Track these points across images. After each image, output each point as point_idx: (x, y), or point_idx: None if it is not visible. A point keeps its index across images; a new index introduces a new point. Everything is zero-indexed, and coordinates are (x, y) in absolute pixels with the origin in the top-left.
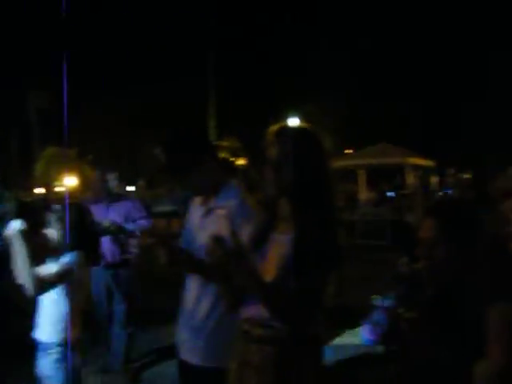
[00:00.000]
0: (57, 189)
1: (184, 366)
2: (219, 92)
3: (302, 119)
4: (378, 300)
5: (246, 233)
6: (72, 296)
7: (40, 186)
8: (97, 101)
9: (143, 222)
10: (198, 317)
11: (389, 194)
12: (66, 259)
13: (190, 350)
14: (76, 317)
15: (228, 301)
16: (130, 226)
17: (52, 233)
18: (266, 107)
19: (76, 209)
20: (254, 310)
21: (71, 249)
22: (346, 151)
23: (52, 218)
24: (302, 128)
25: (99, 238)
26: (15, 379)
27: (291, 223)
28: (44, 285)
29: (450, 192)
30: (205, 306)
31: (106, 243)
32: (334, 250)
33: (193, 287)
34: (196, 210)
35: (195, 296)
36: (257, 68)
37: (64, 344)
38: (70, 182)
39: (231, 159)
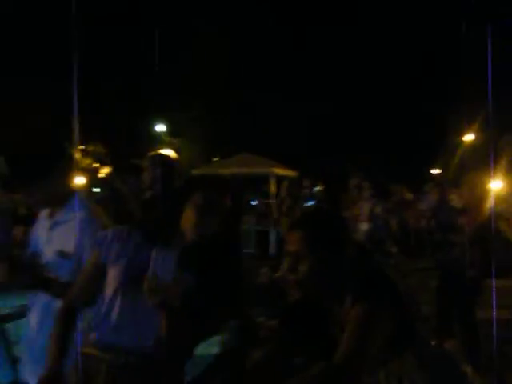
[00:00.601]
0: None
1: None
2: (85, 96)
3: (169, 127)
4: None
5: (89, 247)
6: None
7: None
8: None
9: None
10: (41, 343)
11: (252, 202)
12: None
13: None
14: None
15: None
16: None
17: None
18: (133, 114)
19: None
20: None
21: None
22: (214, 159)
23: None
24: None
25: None
26: None
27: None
28: None
29: (313, 203)
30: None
31: None
32: None
33: (36, 308)
34: (42, 223)
35: (38, 319)
36: (123, 74)
37: None
38: None
39: (95, 165)
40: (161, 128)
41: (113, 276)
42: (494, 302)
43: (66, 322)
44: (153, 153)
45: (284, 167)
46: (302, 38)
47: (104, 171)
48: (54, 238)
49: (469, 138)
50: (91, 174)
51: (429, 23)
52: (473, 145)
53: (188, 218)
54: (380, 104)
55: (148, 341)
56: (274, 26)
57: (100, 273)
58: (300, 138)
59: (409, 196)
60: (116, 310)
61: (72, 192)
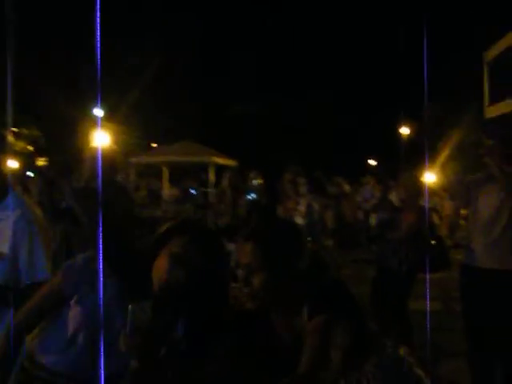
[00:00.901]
0: None
1: None
2: (18, 75)
3: (106, 111)
4: None
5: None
6: None
7: None
8: None
9: None
10: None
11: (191, 191)
12: None
13: None
14: None
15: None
16: None
17: None
18: (70, 97)
19: None
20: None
21: None
22: (153, 144)
23: None
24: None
25: None
26: None
27: None
28: None
29: (253, 196)
30: None
31: None
32: None
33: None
34: None
35: None
36: (60, 55)
37: None
38: None
39: (30, 148)
40: (98, 112)
41: (74, 315)
42: (428, 295)
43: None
44: (92, 145)
45: (224, 156)
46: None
47: (41, 160)
48: None
49: (405, 131)
50: (25, 157)
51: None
52: (409, 138)
53: (160, 267)
54: (321, 90)
55: (91, 369)
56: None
57: (57, 303)
58: (241, 128)
59: (347, 188)
60: (74, 348)
61: (6, 188)
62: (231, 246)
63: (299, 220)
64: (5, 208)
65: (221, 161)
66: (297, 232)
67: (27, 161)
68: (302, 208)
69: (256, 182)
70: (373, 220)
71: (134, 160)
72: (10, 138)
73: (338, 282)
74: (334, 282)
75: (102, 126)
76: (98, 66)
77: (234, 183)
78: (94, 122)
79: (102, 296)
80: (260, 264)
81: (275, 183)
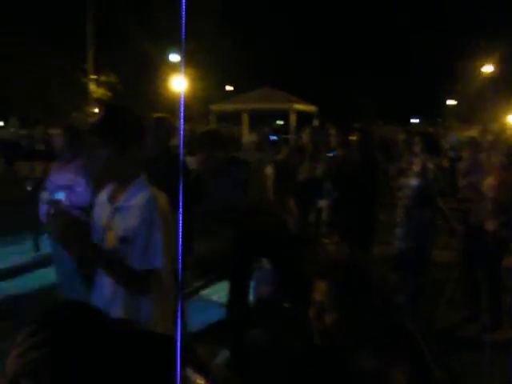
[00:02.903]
0: None
1: None
2: (97, 23)
3: (183, 56)
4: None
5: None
6: None
7: None
8: None
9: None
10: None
11: (272, 137)
12: None
13: None
14: None
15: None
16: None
17: None
18: (147, 43)
19: None
20: None
21: None
22: (228, 88)
23: None
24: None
25: None
26: None
27: None
28: None
29: (334, 153)
30: (119, 308)
31: None
32: None
33: (105, 285)
34: (102, 208)
35: (109, 295)
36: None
37: None
38: None
39: (108, 95)
40: (175, 58)
41: None
42: None
43: None
44: (156, 115)
45: (305, 103)
46: None
47: None
48: (114, 224)
49: (487, 69)
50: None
51: None
52: (491, 77)
53: None
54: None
55: None
56: None
57: None
58: (319, 73)
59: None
60: None
61: (136, 174)
62: (323, 203)
63: (413, 181)
64: (131, 194)
65: (302, 107)
66: (369, 268)
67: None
68: (417, 167)
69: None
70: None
71: (214, 107)
72: (91, 86)
73: (401, 324)
74: (398, 322)
75: (180, 71)
76: (183, 12)
77: (315, 139)
78: (171, 67)
79: None
80: (333, 304)
81: (368, 141)
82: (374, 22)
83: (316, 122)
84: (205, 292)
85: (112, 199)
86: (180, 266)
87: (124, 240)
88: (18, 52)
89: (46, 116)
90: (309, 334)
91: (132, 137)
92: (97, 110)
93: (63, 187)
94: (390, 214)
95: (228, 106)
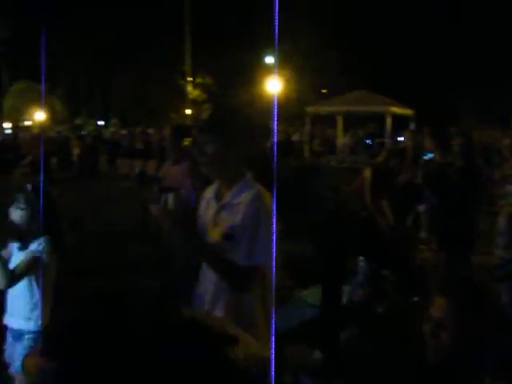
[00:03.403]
0: (26, 123)
1: None
2: (194, 27)
3: (278, 58)
4: (362, 261)
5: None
6: (41, 282)
7: (9, 121)
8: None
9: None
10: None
11: (366, 141)
12: (33, 247)
13: None
14: (46, 303)
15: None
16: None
17: (16, 213)
18: (242, 44)
19: (43, 192)
20: None
21: (38, 234)
22: (323, 90)
23: (20, 197)
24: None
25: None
26: None
27: None
28: (13, 277)
29: (430, 156)
30: (222, 304)
31: None
32: None
33: (209, 281)
34: (208, 204)
35: (212, 292)
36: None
37: (37, 331)
38: (39, 116)
39: (203, 96)
40: (271, 60)
41: None
42: None
43: None
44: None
45: (402, 106)
46: None
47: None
48: (220, 220)
49: None
50: (200, 105)
51: None
52: None
53: None
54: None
55: None
56: None
57: None
58: (416, 76)
59: None
60: None
61: (242, 172)
62: (422, 208)
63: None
64: (237, 191)
65: (398, 110)
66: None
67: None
68: None
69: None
70: None
71: (309, 109)
72: (189, 88)
73: None
74: None
75: (275, 73)
76: (276, 14)
77: (416, 143)
78: (267, 69)
79: None
80: (452, 321)
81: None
82: (474, 26)
83: (413, 126)
84: (298, 293)
85: (218, 196)
86: (273, 265)
87: (229, 236)
88: (118, 55)
89: (144, 116)
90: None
91: (239, 135)
92: (191, 112)
93: (169, 189)
94: (491, 222)
95: (323, 108)
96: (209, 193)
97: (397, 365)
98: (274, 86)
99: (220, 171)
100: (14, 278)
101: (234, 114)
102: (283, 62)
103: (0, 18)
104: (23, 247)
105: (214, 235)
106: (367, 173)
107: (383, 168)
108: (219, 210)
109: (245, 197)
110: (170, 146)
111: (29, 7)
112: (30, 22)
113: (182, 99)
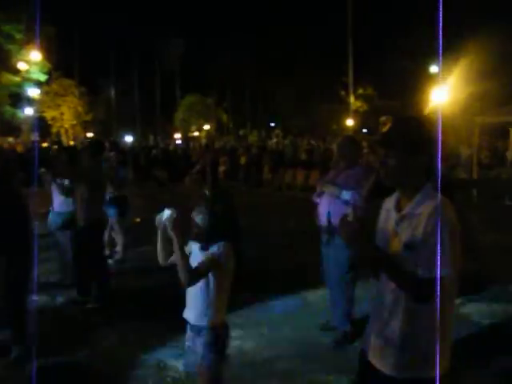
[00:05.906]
0: (194, 134)
1: (372, 370)
2: (355, 41)
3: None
4: None
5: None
6: (218, 283)
7: (179, 132)
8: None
9: (355, 195)
10: (393, 327)
11: None
12: (213, 249)
13: (383, 359)
14: (221, 303)
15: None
16: (346, 195)
17: (198, 218)
18: (407, 55)
19: (224, 196)
20: None
21: (218, 238)
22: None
23: (203, 203)
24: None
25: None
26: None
27: None
28: (194, 276)
29: None
30: (400, 316)
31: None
32: None
33: (387, 293)
34: (388, 216)
35: (390, 303)
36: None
37: (213, 328)
38: (207, 127)
39: (365, 108)
40: (434, 69)
41: None
42: None
43: None
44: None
45: None
46: None
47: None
48: (401, 230)
49: None
50: (360, 117)
51: None
52: None
53: None
54: None
55: None
56: None
57: None
58: None
59: None
60: None
61: (423, 182)
62: None
63: None
64: (418, 201)
65: None
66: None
67: (361, 119)
68: None
69: None
70: None
71: (478, 119)
72: (351, 99)
73: None
74: None
75: (440, 83)
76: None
77: None
78: (432, 78)
79: None
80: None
81: None
82: None
83: None
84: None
85: (399, 206)
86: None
87: (410, 246)
88: (283, 68)
89: (307, 127)
90: None
91: (420, 146)
92: (352, 122)
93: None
94: None
95: (493, 118)
96: (389, 203)
97: None
98: (438, 95)
99: (401, 182)
100: (195, 277)
101: (416, 126)
102: (449, 72)
103: (174, 37)
104: (204, 248)
105: (395, 245)
106: None
107: None
108: (400, 221)
109: (425, 208)
110: (344, 152)
111: (198, 28)
112: (199, 39)
113: (344, 110)
